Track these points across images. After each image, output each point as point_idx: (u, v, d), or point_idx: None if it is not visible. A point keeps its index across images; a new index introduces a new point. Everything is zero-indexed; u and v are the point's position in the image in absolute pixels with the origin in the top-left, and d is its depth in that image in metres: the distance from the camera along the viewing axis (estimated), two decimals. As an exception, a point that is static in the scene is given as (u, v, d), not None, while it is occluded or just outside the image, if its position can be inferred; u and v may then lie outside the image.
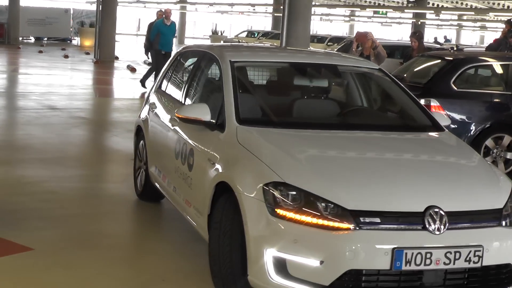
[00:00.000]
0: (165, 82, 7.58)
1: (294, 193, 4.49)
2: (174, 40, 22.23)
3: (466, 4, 46.30)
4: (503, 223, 4.70)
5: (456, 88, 10.32)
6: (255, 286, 4.58)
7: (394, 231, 4.41)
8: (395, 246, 4.31)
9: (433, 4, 45.45)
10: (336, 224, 4.35)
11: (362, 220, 4.37)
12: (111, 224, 6.98)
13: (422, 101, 10.02)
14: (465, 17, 52.72)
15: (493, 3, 44.59)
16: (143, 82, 19.10)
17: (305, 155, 5.12)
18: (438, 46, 27.65)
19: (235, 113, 5.52)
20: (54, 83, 20.37)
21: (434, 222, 4.43)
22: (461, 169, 5.38)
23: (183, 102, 6.62)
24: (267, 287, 4.46)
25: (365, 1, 48.85)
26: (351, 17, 62.12)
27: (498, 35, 14.93)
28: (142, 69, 26.97)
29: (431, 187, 4.74)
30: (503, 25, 14.25)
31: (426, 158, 5.53)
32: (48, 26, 46.57)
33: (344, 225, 4.34)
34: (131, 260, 6.04)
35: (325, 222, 4.36)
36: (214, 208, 5.10)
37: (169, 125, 6.56)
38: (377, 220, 4.39)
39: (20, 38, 40.69)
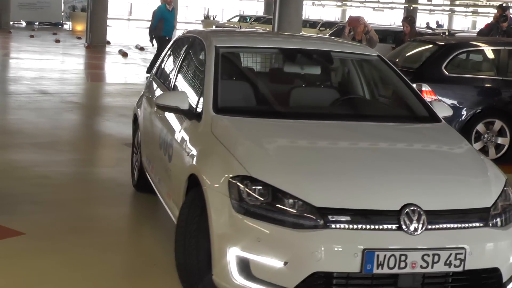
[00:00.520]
0: (160, 69, 7.49)
1: (260, 187, 4.17)
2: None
3: (458, -11, 46.29)
4: (491, 223, 4.32)
5: (447, 73, 10.34)
6: (219, 286, 4.29)
7: (366, 230, 4.04)
8: (366, 247, 3.96)
9: (425, -11, 45.43)
10: (302, 222, 4.02)
11: (330, 218, 4.03)
12: (104, 208, 6.98)
13: (414, 86, 10.07)
14: (457, 2, 52.70)
15: (485, -12, 44.56)
16: (149, 70, 19.00)
17: (276, 146, 4.85)
18: (430, 31, 27.67)
19: (212, 102, 5.25)
20: (45, 67, 20.31)
21: (411, 222, 4.07)
22: (448, 164, 4.92)
23: (170, 89, 6.47)
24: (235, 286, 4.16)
25: (357, -14, 48.81)
26: (344, 2, 62.07)
27: (490, 20, 14.91)
28: (134, 54, 26.98)
29: (410, 183, 4.41)
30: (495, 10, 14.24)
31: (411, 151, 5.15)
32: (40, 11, 46.28)
33: (311, 224, 4.02)
34: (124, 245, 6.04)
35: (291, 220, 4.03)
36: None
37: (156, 113, 6.36)
38: (347, 218, 4.04)
39: (11, 23, 40.44)
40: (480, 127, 10.21)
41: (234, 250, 4.11)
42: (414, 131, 5.61)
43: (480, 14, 63.20)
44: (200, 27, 47.20)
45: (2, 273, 5.15)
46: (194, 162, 4.80)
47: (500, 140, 10.26)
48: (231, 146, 4.62)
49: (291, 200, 4.09)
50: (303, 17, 23.00)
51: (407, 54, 11.52)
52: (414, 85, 9.88)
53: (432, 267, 4.05)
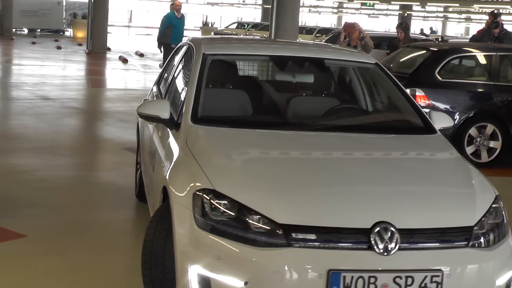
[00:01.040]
0: (160, 77, 7.36)
1: (225, 202, 3.83)
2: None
3: (452, -4, 46.31)
4: (474, 243, 3.89)
5: (440, 78, 10.36)
6: None
7: (333, 250, 3.66)
8: (331, 267, 3.59)
9: (419, -4, 45.46)
10: (265, 240, 3.67)
11: (294, 236, 3.66)
12: (103, 211, 6.99)
13: (408, 91, 10.08)
14: (450, 9, 52.73)
15: (478, -5, 44.61)
16: None
17: (246, 159, 4.53)
18: (424, 37, 27.71)
19: (191, 111, 4.94)
20: (47, 73, 20.32)
21: (382, 241, 3.67)
22: (431, 179, 4.49)
23: (163, 98, 6.23)
24: None
25: (353, -7, 48.82)
26: (339, 9, 62.14)
27: (482, 26, 14.94)
28: (134, 60, 26.97)
29: (385, 199, 3.98)
30: (487, 17, 14.26)
31: (392, 164, 4.71)
32: (41, 18, 46.33)
33: (274, 242, 3.67)
34: (123, 247, 6.04)
35: (253, 237, 3.69)
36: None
37: (148, 122, 6.04)
38: (312, 236, 3.68)
39: (13, 30, 40.47)
40: (472, 131, 10.22)
41: (195, 268, 3.78)
42: (402, 143, 5.18)
43: (472, 20, 63.32)
44: (198, 34, 47.29)
45: (3, 274, 5.16)
46: (166, 174, 4.49)
47: (492, 144, 10.25)
48: (200, 158, 4.29)
49: (255, 217, 3.75)
50: (300, 24, 23.03)
51: (401, 60, 11.54)
52: (408, 90, 10.04)
53: None
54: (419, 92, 10.10)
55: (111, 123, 12.30)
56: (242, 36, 35.96)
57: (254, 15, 65.50)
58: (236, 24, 49.00)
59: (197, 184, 4.00)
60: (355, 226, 3.75)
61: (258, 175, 4.11)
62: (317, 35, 37.03)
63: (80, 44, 34.27)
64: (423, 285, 3.68)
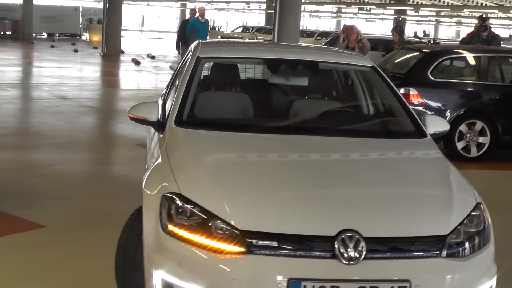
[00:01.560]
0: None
1: (190, 207, 3.53)
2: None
3: (443, 1, 46.17)
4: (447, 253, 3.49)
5: (433, 78, 10.37)
6: None
7: (294, 258, 3.31)
8: (292, 276, 3.25)
9: (413, 1, 45.32)
10: (225, 247, 3.35)
11: (255, 243, 3.33)
12: (117, 203, 6.99)
13: (402, 90, 10.11)
14: (442, 13, 52.59)
15: (468, 0, 44.50)
16: None
17: (217, 164, 4.13)
18: (417, 39, 27.65)
19: (176, 114, 4.63)
20: (64, 75, 20.34)
21: (347, 250, 3.31)
22: (408, 184, 4.05)
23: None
24: None
25: (351, -1, 48.77)
26: (338, 14, 62.05)
27: (471, 29, 14.90)
28: (146, 62, 26.97)
29: (353, 206, 3.61)
30: (476, 21, 14.24)
31: (367, 169, 4.28)
32: (59, 23, 46.40)
33: (234, 248, 3.34)
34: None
35: (213, 244, 3.37)
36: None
37: None
38: (274, 244, 3.33)
39: (34, 34, 40.50)
40: (463, 127, 10.23)
41: (159, 273, 3.49)
42: (386, 147, 4.72)
43: (463, 24, 63.12)
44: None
45: (25, 261, 5.17)
46: (144, 176, 4.21)
47: (481, 139, 10.26)
48: (174, 161, 3.99)
49: (217, 222, 3.43)
50: (301, 28, 23.00)
51: (396, 61, 11.54)
52: (402, 90, 10.06)
53: None
54: (412, 91, 10.11)
55: (125, 121, 12.27)
56: (247, 39, 35.96)
57: (259, 19, 65.40)
58: (241, 28, 48.95)
59: (166, 187, 3.70)
60: (319, 233, 3.38)
61: (225, 181, 3.76)
62: (317, 38, 36.99)
63: (95, 47, 34.31)
64: None
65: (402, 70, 10.79)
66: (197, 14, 18.31)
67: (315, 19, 71.36)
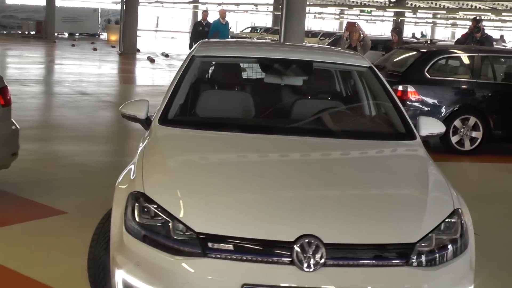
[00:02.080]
0: None
1: (153, 207, 3.23)
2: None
3: (440, 4, 46.01)
4: (415, 262, 3.10)
5: (429, 76, 10.35)
6: None
7: (251, 263, 2.98)
8: (246, 282, 2.93)
9: (411, 4, 45.20)
10: (182, 249, 3.07)
11: (210, 246, 3.03)
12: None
13: (400, 87, 10.11)
14: (438, 16, 52.47)
15: (463, 4, 44.32)
16: None
17: (184, 164, 3.79)
18: (415, 40, 27.59)
19: (162, 112, 4.35)
20: (84, 72, 20.39)
21: (306, 256, 2.97)
22: (380, 188, 3.62)
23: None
24: None
25: (353, 1, 48.62)
26: (341, 15, 61.91)
27: (466, 30, 14.87)
28: (160, 60, 26.99)
29: (315, 212, 3.20)
30: (470, 22, 14.21)
31: (339, 172, 3.80)
32: (80, 23, 46.50)
33: (190, 251, 3.05)
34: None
35: (171, 245, 3.10)
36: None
37: None
38: (230, 247, 3.02)
39: (56, 34, 40.59)
40: (457, 122, 10.22)
41: (120, 273, 3.23)
42: (368, 148, 4.24)
43: (458, 26, 62.93)
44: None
45: (48, 245, 5.22)
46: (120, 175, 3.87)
47: (474, 134, 10.26)
48: (146, 160, 3.71)
49: (176, 224, 3.14)
50: (306, 28, 22.97)
51: (394, 60, 11.52)
52: (400, 87, 10.06)
53: None
54: (410, 88, 10.10)
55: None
56: (255, 39, 35.91)
57: (266, 20, 65.30)
58: (250, 29, 48.88)
59: (133, 186, 3.43)
60: (277, 238, 3.03)
61: (189, 182, 3.43)
62: (321, 38, 36.93)
63: (113, 46, 34.37)
64: None
65: (400, 69, 10.77)
66: (219, 16, 18.20)
67: (319, 20, 71.21)
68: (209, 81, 5.78)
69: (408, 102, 10.02)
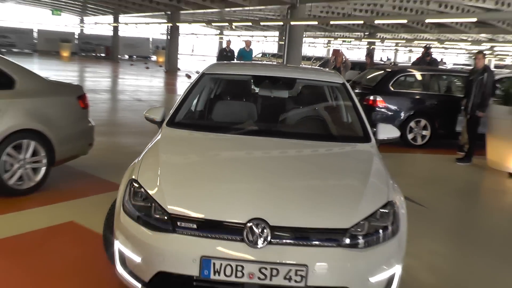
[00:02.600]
0: None
1: (142, 191, 3.12)
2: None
3: (401, 36, 45.74)
4: (347, 244, 2.89)
5: (393, 89, 10.32)
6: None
7: (208, 239, 2.86)
8: (204, 254, 2.82)
9: (380, 35, 44.96)
10: (159, 226, 2.96)
11: (179, 225, 2.91)
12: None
13: (371, 97, 10.09)
14: (399, 44, 52.12)
15: (417, 35, 44.05)
16: None
17: (172, 158, 3.53)
18: (382, 62, 27.42)
19: (170, 115, 4.20)
20: (139, 84, 20.42)
21: (253, 235, 2.83)
22: (326, 181, 3.36)
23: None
24: (117, 273, 3.22)
25: (337, 34, 48.42)
26: (328, 44, 61.71)
27: (419, 55, 14.79)
28: (195, 76, 26.89)
29: (265, 199, 3.01)
30: (422, 49, 14.14)
31: (293, 166, 3.50)
32: (136, 48, 46.64)
33: (164, 228, 2.94)
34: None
35: (152, 223, 2.99)
36: None
37: None
38: (194, 226, 2.90)
39: (119, 56, 40.70)
40: (412, 124, 10.18)
41: (117, 243, 3.16)
42: (325, 147, 3.91)
43: (413, 52, 62.57)
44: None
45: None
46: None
47: (424, 132, 10.22)
48: (146, 153, 3.58)
49: (155, 205, 3.02)
50: (302, 54, 22.97)
51: (367, 77, 11.47)
52: (371, 97, 10.04)
53: (270, 279, 2.80)
54: (378, 98, 10.10)
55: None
56: (264, 61, 35.82)
57: (273, 47, 65.13)
58: (261, 54, 48.80)
59: (132, 174, 3.31)
60: (232, 220, 2.89)
61: (170, 173, 3.24)
62: (313, 61, 36.81)
63: (160, 66, 34.41)
64: (288, 276, 2.80)
65: (372, 83, 10.74)
66: (244, 45, 17.37)
67: (312, 48, 71.01)
68: (213, 93, 5.49)
69: (377, 108, 10.04)
